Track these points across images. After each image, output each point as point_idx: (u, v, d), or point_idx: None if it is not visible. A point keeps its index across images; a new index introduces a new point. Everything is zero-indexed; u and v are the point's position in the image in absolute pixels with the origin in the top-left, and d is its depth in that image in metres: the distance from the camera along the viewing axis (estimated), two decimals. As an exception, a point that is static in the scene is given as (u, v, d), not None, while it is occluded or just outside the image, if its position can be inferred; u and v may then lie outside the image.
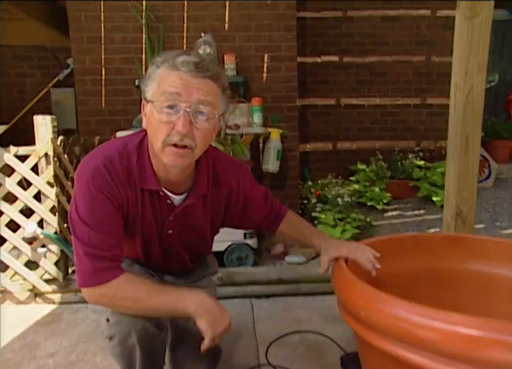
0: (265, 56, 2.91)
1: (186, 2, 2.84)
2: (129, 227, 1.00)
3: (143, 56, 2.87)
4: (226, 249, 2.48)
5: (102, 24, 2.82)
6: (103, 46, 2.84)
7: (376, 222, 3.11)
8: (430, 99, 3.78)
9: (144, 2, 2.82)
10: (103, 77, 2.87)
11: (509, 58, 4.88)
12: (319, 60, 3.67)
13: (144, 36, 2.82)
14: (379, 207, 3.24)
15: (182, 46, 2.88)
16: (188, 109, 0.85)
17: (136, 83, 2.76)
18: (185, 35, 2.87)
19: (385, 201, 3.27)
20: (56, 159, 2.18)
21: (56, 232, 2.06)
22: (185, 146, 0.87)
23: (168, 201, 1.00)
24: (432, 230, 2.89)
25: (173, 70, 0.85)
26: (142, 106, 0.93)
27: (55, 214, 2.06)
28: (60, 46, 3.42)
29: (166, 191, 0.99)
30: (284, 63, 2.93)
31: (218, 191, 1.07)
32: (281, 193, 3.11)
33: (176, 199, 1.01)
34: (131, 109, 2.89)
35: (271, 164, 2.57)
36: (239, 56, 2.88)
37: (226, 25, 2.88)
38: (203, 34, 2.83)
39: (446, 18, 3.65)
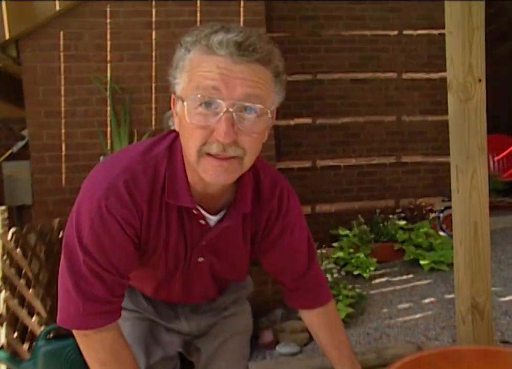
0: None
1: (154, 74, 2.70)
2: (147, 257, 0.79)
3: (108, 129, 2.65)
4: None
5: (62, 98, 2.61)
6: (63, 120, 2.61)
7: (364, 291, 2.92)
8: (404, 157, 3.77)
9: (108, 74, 2.65)
10: (63, 153, 2.62)
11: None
12: (292, 122, 3.60)
13: (108, 108, 2.62)
14: (365, 275, 3.06)
15: (150, 118, 2.70)
16: (230, 109, 0.62)
17: (101, 159, 2.52)
18: (153, 106, 2.71)
19: (372, 268, 3.10)
20: (5, 257, 1.87)
21: (2, 347, 1.72)
22: (230, 157, 0.65)
23: (202, 221, 0.77)
24: (427, 301, 2.72)
25: (208, 55, 0.63)
26: (172, 102, 0.72)
27: (1, 325, 1.72)
28: (14, 117, 3.16)
29: (200, 209, 0.76)
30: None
31: (260, 211, 0.82)
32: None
33: (212, 219, 0.78)
34: (96, 187, 2.62)
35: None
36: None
37: (198, 95, 2.74)
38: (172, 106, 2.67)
39: (412, 80, 3.74)
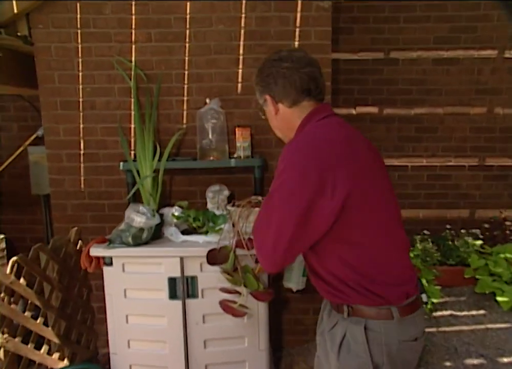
0: (289, 126, 2.24)
1: (187, 58, 2.19)
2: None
3: (131, 126, 2.24)
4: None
5: (80, 86, 2.20)
6: (81, 113, 2.23)
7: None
8: (490, 160, 3.06)
9: (133, 58, 2.18)
10: (82, 152, 2.26)
11: None
12: (354, 111, 2.99)
13: (132, 100, 2.19)
14: (426, 307, 2.57)
15: (181, 114, 2.24)
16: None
17: (121, 167, 2.13)
18: (185, 99, 2.23)
19: (435, 300, 2.59)
20: (2, 294, 1.61)
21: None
22: None
23: None
24: (506, 360, 2.20)
25: None
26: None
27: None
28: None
29: None
30: (314, 137, 2.26)
31: None
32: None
33: None
34: (117, 192, 2.28)
35: (295, 282, 1.94)
36: (255, 127, 2.22)
37: (239, 86, 2.22)
38: (208, 100, 2.18)
39: (516, 61, 2.92)
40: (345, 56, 2.91)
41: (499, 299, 2.59)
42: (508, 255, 2.76)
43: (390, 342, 1.00)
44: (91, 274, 2.25)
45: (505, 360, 2.20)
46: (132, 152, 2.25)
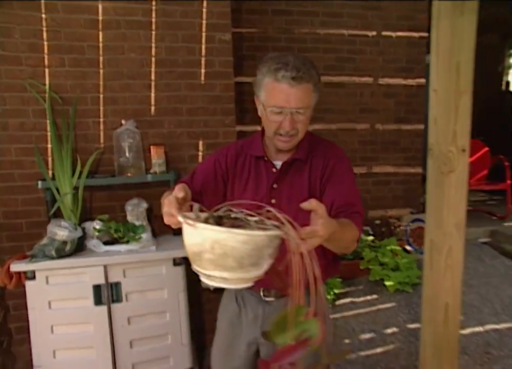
0: (200, 143, 2.50)
1: (101, 83, 2.36)
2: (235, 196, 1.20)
3: (48, 146, 2.33)
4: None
5: (-8, 108, 2.25)
6: (-7, 135, 2.26)
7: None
8: (375, 168, 3.62)
9: (47, 82, 2.29)
10: (-5, 172, 2.29)
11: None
12: (259, 128, 3.34)
13: (48, 121, 2.28)
14: (329, 297, 2.96)
15: (98, 134, 2.38)
16: (290, 113, 1.09)
17: (40, 185, 2.20)
18: (101, 120, 2.38)
19: (336, 291, 3.00)
20: None
21: None
22: (290, 136, 1.14)
23: (274, 169, 1.20)
24: (389, 331, 2.65)
25: (276, 83, 1.07)
26: (256, 98, 1.18)
27: None
28: None
29: (270, 158, 1.22)
30: (223, 152, 2.54)
31: (316, 161, 1.21)
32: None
33: (277, 164, 1.21)
34: (35, 210, 2.33)
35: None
36: (168, 145, 2.44)
37: (152, 108, 2.43)
38: (123, 121, 2.36)
39: (388, 86, 3.53)
40: (250, 80, 3.28)
41: (386, 283, 3.08)
42: (393, 247, 3.29)
43: None
44: (8, 294, 2.26)
45: (389, 330, 2.66)
46: (50, 171, 2.32)
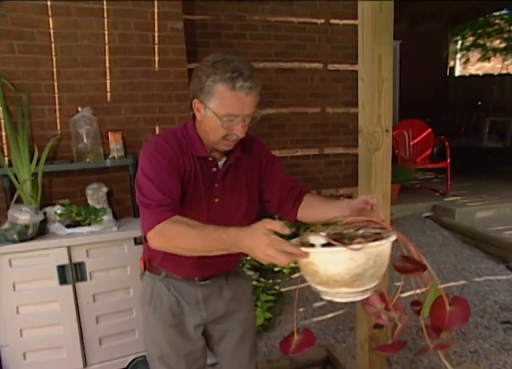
0: (157, 129, 2.60)
1: (55, 70, 2.38)
2: (188, 197, 1.17)
3: (3, 133, 2.34)
4: (128, 366, 2.16)
5: None
6: None
7: (284, 288, 3.06)
8: (327, 149, 3.85)
9: (-3, 69, 2.29)
10: (-51, 161, 2.28)
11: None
12: (215, 114, 3.47)
13: (0, 108, 2.29)
14: (285, 271, 3.18)
15: (55, 121, 2.41)
16: (243, 120, 1.11)
17: (-4, 172, 2.23)
18: (57, 107, 2.42)
19: (292, 265, 3.22)
20: None
21: None
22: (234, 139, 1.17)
23: (214, 169, 1.21)
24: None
25: (232, 92, 1.06)
26: (192, 102, 1.15)
27: None
28: None
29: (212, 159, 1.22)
30: (179, 137, 2.65)
31: (250, 157, 1.28)
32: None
33: (220, 164, 1.23)
34: (-7, 198, 2.35)
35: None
36: (126, 131, 2.52)
37: (108, 95, 2.49)
38: (79, 108, 2.41)
39: (337, 71, 3.74)
40: (204, 66, 3.37)
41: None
42: (343, 222, 3.54)
43: None
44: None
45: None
46: (6, 158, 2.35)
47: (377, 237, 0.85)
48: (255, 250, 0.85)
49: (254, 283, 2.65)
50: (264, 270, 3.13)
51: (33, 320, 1.99)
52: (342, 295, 0.82)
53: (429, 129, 5.16)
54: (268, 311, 2.62)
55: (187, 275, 1.27)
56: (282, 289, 3.02)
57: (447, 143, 4.66)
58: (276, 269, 3.18)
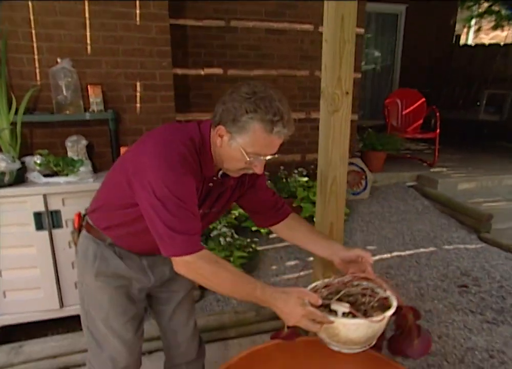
0: (138, 84, 2.61)
1: (32, 17, 2.36)
2: None
3: (-18, 81, 2.36)
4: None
5: None
6: None
7: (261, 246, 3.17)
8: (313, 113, 3.85)
9: (-24, 16, 2.28)
10: None
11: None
12: (202, 72, 3.45)
13: (-23, 55, 2.30)
14: (263, 231, 3.29)
15: (34, 71, 2.42)
16: (266, 158, 1.09)
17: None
18: (36, 57, 2.42)
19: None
20: None
21: None
22: None
23: (211, 184, 1.18)
24: (312, 259, 3.03)
25: (268, 134, 1.03)
26: (219, 131, 1.06)
27: None
28: None
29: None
30: (160, 93, 2.67)
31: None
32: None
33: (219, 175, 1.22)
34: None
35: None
36: (106, 84, 2.54)
37: (89, 48, 2.49)
38: (59, 59, 2.41)
39: (328, 34, 3.67)
40: (192, 23, 3.32)
41: (315, 219, 3.43)
42: (324, 186, 3.62)
43: None
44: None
45: (312, 258, 3.03)
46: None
47: (383, 302, 1.10)
48: (288, 315, 1.00)
49: (228, 239, 2.75)
50: (242, 228, 3.24)
51: (11, 262, 2.10)
52: (350, 348, 1.04)
53: (423, 99, 5.12)
54: (240, 267, 2.74)
55: (134, 252, 1.26)
56: (259, 248, 3.13)
57: (437, 114, 4.65)
58: (253, 228, 3.28)
